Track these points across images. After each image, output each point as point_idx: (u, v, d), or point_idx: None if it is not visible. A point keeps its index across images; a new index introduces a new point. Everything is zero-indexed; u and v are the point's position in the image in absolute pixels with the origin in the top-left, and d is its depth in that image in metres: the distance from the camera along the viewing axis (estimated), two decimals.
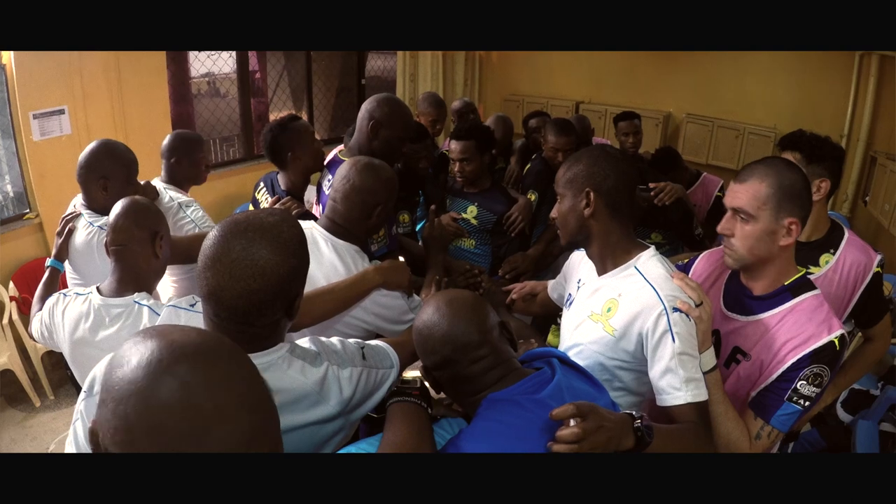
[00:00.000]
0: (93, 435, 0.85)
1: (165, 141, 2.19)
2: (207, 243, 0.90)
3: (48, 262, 1.75)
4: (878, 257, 1.60)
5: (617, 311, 1.22)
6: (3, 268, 3.07)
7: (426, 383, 1.04)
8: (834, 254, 1.60)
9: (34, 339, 1.54)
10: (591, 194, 1.23)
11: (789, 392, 1.17)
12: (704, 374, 1.17)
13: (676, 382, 1.12)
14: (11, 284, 3.04)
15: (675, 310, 1.15)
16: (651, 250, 1.26)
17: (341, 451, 0.87)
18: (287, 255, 0.90)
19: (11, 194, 3.23)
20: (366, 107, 1.83)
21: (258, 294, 0.87)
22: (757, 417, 1.19)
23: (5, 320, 2.93)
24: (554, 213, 1.32)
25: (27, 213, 3.22)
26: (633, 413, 0.95)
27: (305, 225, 1.47)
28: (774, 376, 1.19)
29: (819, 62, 3.98)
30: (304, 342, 1.03)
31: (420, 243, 2.54)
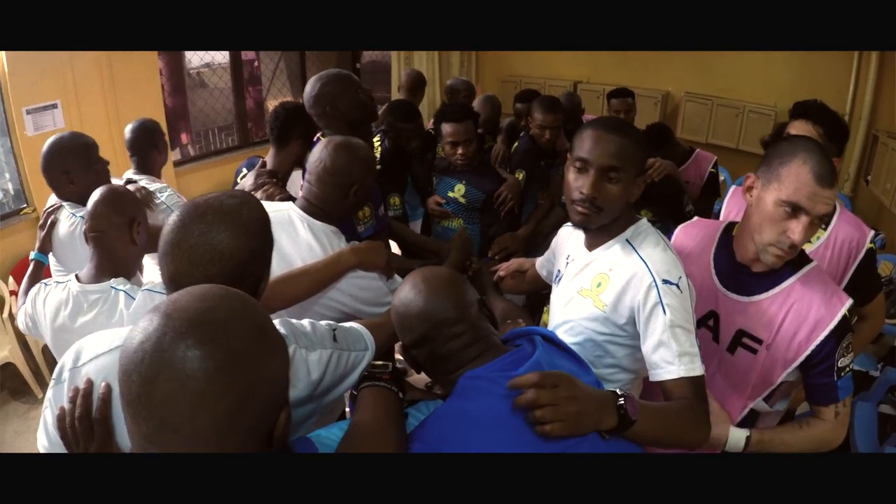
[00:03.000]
0: (60, 420, 0.86)
1: (131, 134, 2.21)
2: (167, 228, 0.89)
3: (32, 255, 1.77)
4: (871, 233, 1.56)
5: (608, 286, 1.19)
6: (3, 263, 3.09)
7: (402, 366, 1.03)
8: (826, 229, 1.56)
9: (22, 331, 1.56)
10: (637, 179, 1.18)
11: (834, 373, 1.16)
12: (746, 448, 1.17)
13: (669, 356, 1.08)
14: (11, 279, 3.07)
15: (665, 281, 1.11)
16: (642, 222, 1.23)
17: (311, 434, 0.85)
18: (247, 238, 0.90)
19: (12, 192, 3.25)
20: (312, 101, 1.80)
21: (217, 279, 0.85)
22: (828, 405, 1.18)
23: (5, 314, 2.95)
24: (590, 192, 1.14)
25: (24, 207, 3.24)
26: (618, 391, 0.93)
27: (283, 206, 1.46)
28: (799, 361, 1.17)
29: None
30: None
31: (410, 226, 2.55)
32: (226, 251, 0.87)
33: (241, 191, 0.97)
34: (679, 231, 1.43)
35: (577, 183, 1.17)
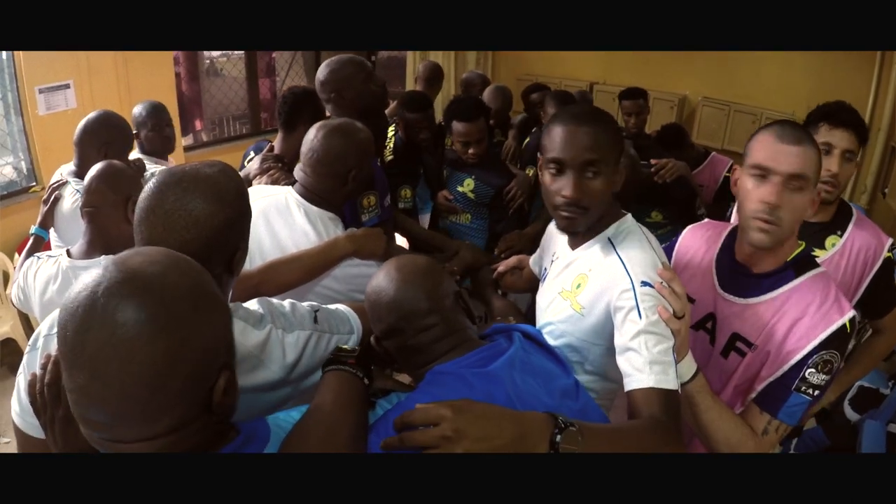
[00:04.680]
0: (31, 386, 0.84)
1: (136, 113, 2.25)
2: (143, 195, 0.88)
3: (32, 229, 1.77)
4: (889, 241, 1.50)
5: (586, 287, 1.12)
6: (10, 239, 3.10)
7: (372, 352, 0.99)
8: (841, 236, 1.50)
9: (14, 305, 1.56)
10: (618, 167, 1.10)
11: (797, 381, 1.06)
12: (685, 384, 1.06)
13: (639, 363, 0.97)
14: (17, 255, 3.07)
15: (644, 283, 1.03)
16: (627, 218, 1.16)
17: (270, 416, 0.82)
18: (222, 205, 0.89)
19: (25, 171, 3.26)
20: (319, 90, 1.77)
21: (192, 245, 0.85)
22: (763, 412, 1.08)
23: (8, 290, 2.95)
24: (573, 194, 1.05)
25: (34, 186, 3.24)
26: (560, 417, 0.81)
27: (280, 191, 1.43)
28: (784, 369, 1.08)
29: None
30: (251, 304, 1.00)
31: (419, 219, 2.52)
32: (200, 216, 0.86)
33: (220, 161, 0.96)
34: (687, 231, 1.38)
35: (555, 186, 1.07)
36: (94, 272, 0.61)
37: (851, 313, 1.08)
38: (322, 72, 1.75)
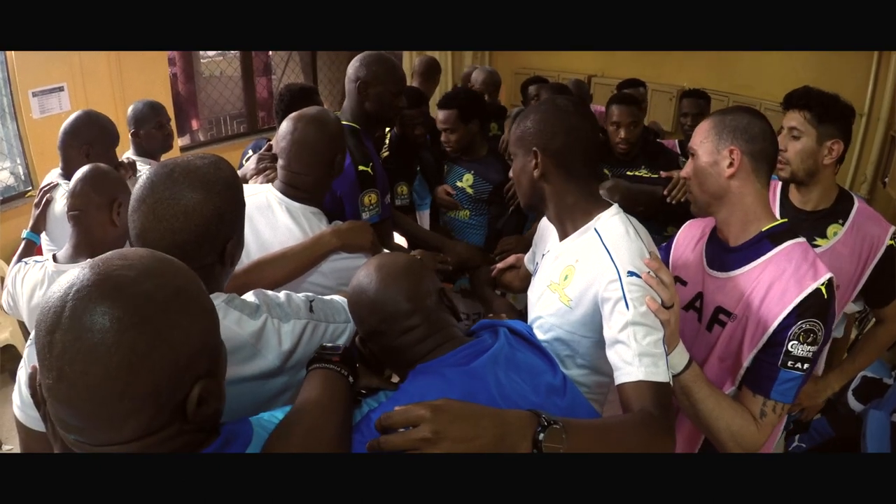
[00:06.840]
0: (31, 379, 0.83)
1: (137, 110, 2.22)
2: (137, 186, 0.89)
3: (24, 233, 1.76)
4: (892, 229, 1.48)
5: (573, 278, 1.10)
6: (8, 245, 3.08)
7: (359, 350, 0.98)
8: (843, 224, 1.49)
9: (6, 311, 1.54)
10: (538, 154, 1.11)
11: (781, 357, 1.05)
12: (677, 375, 1.05)
13: (628, 356, 0.95)
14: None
15: (631, 273, 1.00)
16: (614, 208, 1.13)
17: (254, 417, 0.80)
18: (212, 195, 0.89)
19: (22, 176, 3.24)
20: (351, 68, 1.74)
21: (181, 234, 0.87)
22: (756, 395, 1.07)
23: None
24: (511, 173, 1.22)
25: (29, 190, 3.23)
26: (543, 415, 0.78)
27: (260, 189, 1.41)
28: (765, 339, 1.07)
29: None
30: (247, 296, 1.00)
31: (417, 217, 2.50)
32: (188, 206, 0.87)
33: (213, 154, 0.96)
34: (685, 226, 1.38)
35: None
36: (72, 274, 0.60)
37: (827, 276, 1.06)
38: (365, 57, 1.71)
